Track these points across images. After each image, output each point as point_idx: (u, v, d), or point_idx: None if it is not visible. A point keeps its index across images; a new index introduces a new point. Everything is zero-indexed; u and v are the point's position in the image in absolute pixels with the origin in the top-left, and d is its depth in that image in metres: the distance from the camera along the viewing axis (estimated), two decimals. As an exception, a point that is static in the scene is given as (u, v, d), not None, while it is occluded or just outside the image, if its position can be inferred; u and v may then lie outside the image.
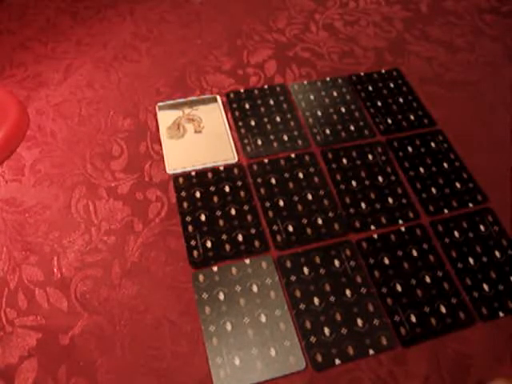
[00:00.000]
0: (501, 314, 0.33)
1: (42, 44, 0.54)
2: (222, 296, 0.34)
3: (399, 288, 0.34)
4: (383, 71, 0.50)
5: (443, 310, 0.33)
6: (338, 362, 0.31)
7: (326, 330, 0.32)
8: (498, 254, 0.36)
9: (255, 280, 0.35)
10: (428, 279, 0.35)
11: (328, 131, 0.45)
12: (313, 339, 0.32)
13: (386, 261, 0.36)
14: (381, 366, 0.31)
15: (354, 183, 0.41)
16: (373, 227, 0.38)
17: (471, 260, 0.36)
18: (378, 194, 0.40)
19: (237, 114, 0.47)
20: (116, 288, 0.35)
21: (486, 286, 0.34)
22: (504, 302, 0.34)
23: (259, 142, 0.44)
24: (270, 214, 0.39)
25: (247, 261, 0.36)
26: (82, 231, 0.38)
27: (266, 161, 0.42)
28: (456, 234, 0.37)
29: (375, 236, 0.37)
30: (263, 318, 0.33)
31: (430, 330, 0.32)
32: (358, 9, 0.58)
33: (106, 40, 0.55)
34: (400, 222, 0.38)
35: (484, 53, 0.52)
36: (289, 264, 0.36)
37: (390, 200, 0.40)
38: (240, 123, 0.46)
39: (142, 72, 0.51)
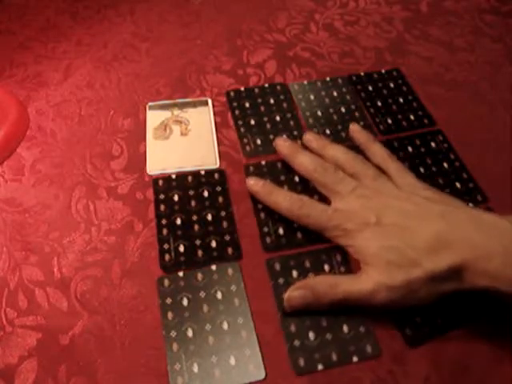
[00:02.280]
0: None
1: (42, 44, 0.54)
2: (185, 302, 0.34)
3: None
4: (383, 71, 0.50)
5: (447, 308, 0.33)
6: (320, 367, 0.31)
7: (311, 335, 0.32)
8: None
9: (220, 287, 0.35)
10: None
11: (328, 131, 0.45)
12: (297, 343, 0.32)
13: None
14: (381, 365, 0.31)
15: None
16: None
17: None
18: None
19: (237, 112, 0.46)
20: (116, 288, 0.35)
21: None
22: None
23: (258, 142, 0.44)
24: (262, 215, 0.38)
25: (213, 267, 0.36)
26: (82, 231, 0.38)
27: (263, 163, 0.42)
28: None
29: None
30: (225, 326, 0.33)
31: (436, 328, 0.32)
32: (358, 9, 0.58)
33: (106, 40, 0.55)
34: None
35: (484, 53, 0.52)
36: (278, 266, 0.35)
37: None
38: (239, 122, 0.46)
39: (142, 72, 0.51)
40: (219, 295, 0.34)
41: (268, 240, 0.37)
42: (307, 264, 0.35)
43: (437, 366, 0.31)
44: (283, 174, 0.41)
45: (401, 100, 0.47)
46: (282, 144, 0.41)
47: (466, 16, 0.56)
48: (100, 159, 0.43)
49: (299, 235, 0.37)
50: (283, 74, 0.50)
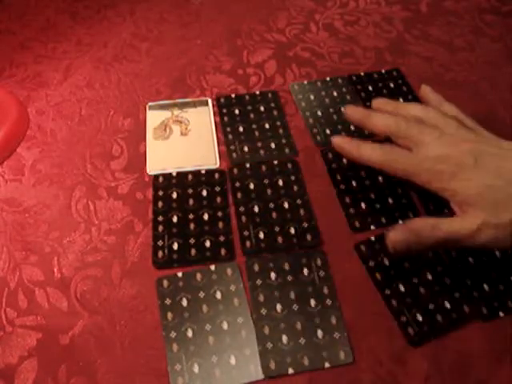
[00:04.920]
0: (501, 314, 0.33)
1: (42, 44, 0.54)
2: (185, 302, 0.34)
3: (402, 288, 0.34)
4: (383, 71, 0.50)
5: (448, 305, 0.33)
6: (291, 371, 0.31)
7: (284, 338, 0.32)
8: (498, 253, 0.36)
9: (219, 286, 0.35)
10: (430, 276, 0.35)
11: (328, 131, 0.45)
12: (269, 345, 0.32)
13: (387, 262, 0.36)
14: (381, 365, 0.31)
15: (354, 183, 0.40)
16: (372, 227, 0.38)
17: (470, 259, 0.36)
18: (378, 194, 0.40)
19: (225, 119, 0.46)
20: (116, 288, 0.35)
21: (486, 286, 0.34)
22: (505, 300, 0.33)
23: (245, 149, 0.43)
24: (244, 219, 0.38)
25: (212, 267, 0.36)
26: (82, 231, 0.38)
27: (247, 165, 0.42)
28: None
29: (373, 238, 0.37)
30: (225, 325, 0.33)
31: (437, 326, 0.32)
32: (358, 9, 0.58)
33: (106, 40, 0.55)
34: (400, 222, 0.38)
35: (484, 53, 0.52)
36: (256, 267, 0.35)
37: (390, 200, 0.39)
38: (228, 129, 0.45)
39: (142, 72, 0.51)
40: (218, 295, 0.34)
41: (248, 244, 0.37)
42: (286, 266, 0.35)
43: (437, 366, 0.31)
44: (267, 177, 0.41)
45: (401, 100, 0.47)
46: (353, 109, 0.39)
47: (466, 16, 0.56)
48: (100, 159, 0.43)
49: (280, 240, 0.37)
50: (283, 74, 0.50)
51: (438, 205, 0.39)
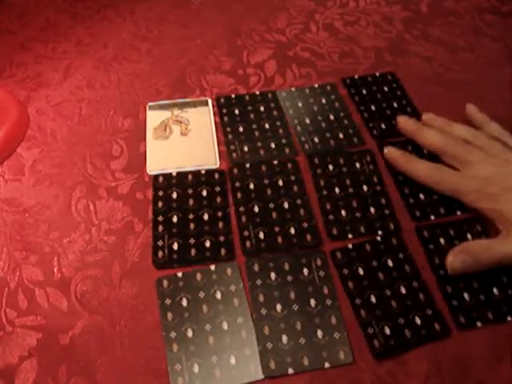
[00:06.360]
0: (478, 324, 0.32)
1: (42, 44, 0.54)
2: (185, 302, 0.34)
3: (373, 299, 0.33)
4: (377, 74, 0.50)
5: (418, 321, 0.32)
6: (291, 371, 0.31)
7: (284, 338, 0.32)
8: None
9: (219, 286, 0.35)
10: (403, 290, 0.34)
11: (317, 139, 0.44)
12: (269, 345, 0.32)
13: (361, 271, 0.35)
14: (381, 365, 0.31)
15: (337, 190, 0.40)
16: (350, 236, 0.37)
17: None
18: (361, 203, 0.39)
19: (225, 119, 0.46)
20: (116, 288, 0.35)
21: (466, 295, 0.34)
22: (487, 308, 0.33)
23: (245, 149, 0.43)
24: (244, 219, 0.38)
25: (212, 267, 0.36)
26: (82, 231, 0.38)
27: (247, 165, 0.42)
28: (442, 240, 0.36)
29: (350, 246, 0.36)
30: (225, 326, 0.33)
31: (404, 341, 0.32)
32: (358, 9, 0.58)
33: (106, 40, 0.55)
34: (379, 232, 0.37)
35: (484, 53, 0.52)
36: (256, 267, 0.35)
37: (373, 210, 0.38)
38: (228, 129, 0.45)
39: (142, 72, 0.51)
40: (218, 295, 0.34)
41: (248, 244, 0.37)
42: (286, 266, 0.35)
43: (437, 365, 0.31)
44: (267, 177, 0.41)
45: (395, 104, 0.47)
46: (406, 122, 0.42)
47: (466, 16, 0.56)
48: (100, 159, 0.43)
49: (280, 240, 0.37)
50: (283, 74, 0.50)
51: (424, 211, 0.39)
